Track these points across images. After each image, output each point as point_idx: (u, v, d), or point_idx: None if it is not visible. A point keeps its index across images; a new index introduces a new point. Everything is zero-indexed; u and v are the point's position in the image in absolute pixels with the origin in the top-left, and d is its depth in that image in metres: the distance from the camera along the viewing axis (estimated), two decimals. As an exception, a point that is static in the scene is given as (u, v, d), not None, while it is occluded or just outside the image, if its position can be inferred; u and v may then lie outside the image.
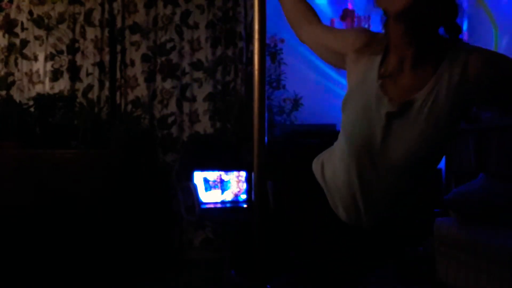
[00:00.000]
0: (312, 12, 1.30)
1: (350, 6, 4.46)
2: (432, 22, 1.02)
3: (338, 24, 4.10)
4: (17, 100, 3.28)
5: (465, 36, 3.76)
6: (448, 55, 1.01)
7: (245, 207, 3.16)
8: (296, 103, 3.76)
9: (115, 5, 3.58)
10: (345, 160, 1.12)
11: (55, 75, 3.55)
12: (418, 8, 0.99)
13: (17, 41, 3.55)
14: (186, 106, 3.63)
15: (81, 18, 3.57)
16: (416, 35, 1.02)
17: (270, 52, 3.65)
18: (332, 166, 1.19)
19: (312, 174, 1.27)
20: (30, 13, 3.55)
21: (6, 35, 3.54)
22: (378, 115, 1.03)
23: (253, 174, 1.06)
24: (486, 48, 1.04)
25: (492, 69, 0.98)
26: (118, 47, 3.59)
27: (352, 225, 1.17)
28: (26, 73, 3.55)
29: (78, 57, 3.58)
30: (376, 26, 4.49)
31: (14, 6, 3.55)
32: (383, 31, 1.09)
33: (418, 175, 1.11)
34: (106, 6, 3.57)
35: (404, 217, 1.20)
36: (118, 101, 3.58)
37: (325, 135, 3.11)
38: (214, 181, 3.11)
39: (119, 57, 3.60)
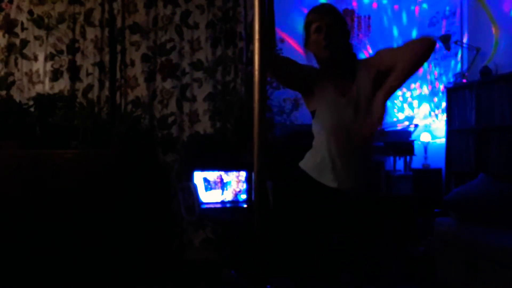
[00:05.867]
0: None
1: (351, 6, 4.46)
2: (345, 58, 1.81)
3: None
4: (17, 100, 3.27)
5: (465, 36, 3.76)
6: (358, 68, 1.80)
7: (245, 207, 3.16)
8: (296, 103, 3.76)
9: (115, 5, 3.58)
10: (323, 142, 1.76)
11: (55, 75, 3.55)
12: (335, 55, 1.76)
13: (17, 41, 3.55)
14: (186, 106, 3.63)
15: (81, 18, 3.57)
16: (338, 67, 1.80)
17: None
18: (315, 154, 1.80)
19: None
20: (30, 13, 3.55)
21: (6, 35, 3.54)
22: (346, 108, 1.75)
23: (253, 174, 1.07)
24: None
25: (374, 57, 1.82)
26: (118, 47, 3.59)
27: (341, 190, 1.74)
28: (26, 73, 3.55)
29: (78, 57, 3.58)
30: (375, 25, 4.49)
31: (14, 6, 3.55)
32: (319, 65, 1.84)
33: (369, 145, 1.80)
34: (106, 6, 3.57)
35: (370, 178, 1.85)
36: (118, 101, 3.58)
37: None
38: (214, 181, 3.11)
39: (119, 57, 3.59)
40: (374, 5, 4.54)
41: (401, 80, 1.62)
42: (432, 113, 4.15)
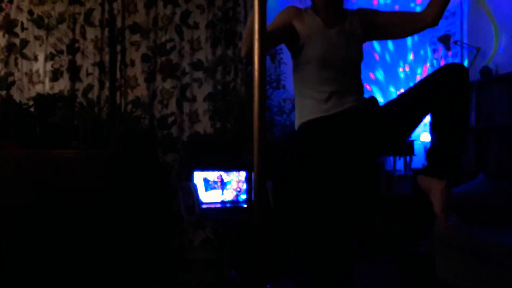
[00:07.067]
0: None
1: (351, 5, 4.46)
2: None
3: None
4: (17, 100, 3.28)
5: (465, 36, 3.76)
6: (348, 13, 1.85)
7: (245, 207, 3.16)
8: (296, 103, 3.75)
9: (115, 5, 3.58)
10: (314, 73, 1.79)
11: (55, 75, 3.55)
12: None
13: (17, 41, 3.55)
14: (186, 106, 3.63)
15: (81, 18, 3.57)
16: (332, 5, 1.81)
17: (270, 52, 3.65)
18: (304, 94, 1.91)
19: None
20: (30, 13, 3.55)
21: (6, 35, 3.54)
22: (336, 38, 1.79)
23: (253, 174, 1.07)
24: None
25: (369, 10, 1.86)
26: (118, 47, 3.59)
27: (338, 112, 1.77)
28: (26, 73, 3.55)
29: (78, 57, 3.58)
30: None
31: (14, 6, 3.55)
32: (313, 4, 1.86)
33: (358, 72, 1.85)
34: (106, 6, 3.57)
35: (365, 104, 1.81)
36: (118, 101, 3.58)
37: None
38: (214, 181, 3.11)
39: (119, 57, 3.60)
40: (375, 2, 4.53)
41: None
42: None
